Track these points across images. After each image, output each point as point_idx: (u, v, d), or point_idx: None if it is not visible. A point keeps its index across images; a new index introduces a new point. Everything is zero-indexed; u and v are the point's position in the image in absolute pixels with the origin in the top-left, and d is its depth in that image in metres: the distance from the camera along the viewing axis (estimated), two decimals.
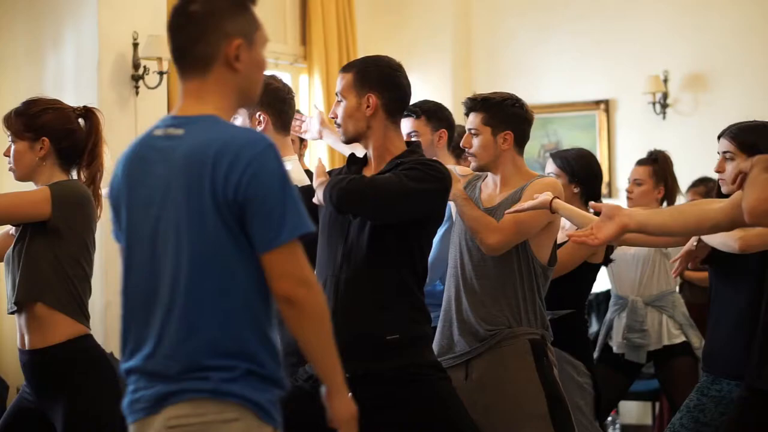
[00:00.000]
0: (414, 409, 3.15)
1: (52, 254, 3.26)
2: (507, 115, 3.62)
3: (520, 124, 3.63)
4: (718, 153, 3.62)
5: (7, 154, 3.40)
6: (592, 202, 3.28)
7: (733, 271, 3.70)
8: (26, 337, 3.29)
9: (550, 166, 4.36)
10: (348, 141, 3.25)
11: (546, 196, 3.43)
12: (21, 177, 3.38)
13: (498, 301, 3.54)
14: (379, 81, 3.22)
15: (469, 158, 3.67)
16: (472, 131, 3.62)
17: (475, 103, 3.64)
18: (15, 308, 3.30)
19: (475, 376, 3.53)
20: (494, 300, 3.54)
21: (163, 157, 2.21)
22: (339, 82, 3.22)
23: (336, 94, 3.23)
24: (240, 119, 3.53)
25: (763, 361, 2.86)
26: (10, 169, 3.40)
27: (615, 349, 4.85)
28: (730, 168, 3.53)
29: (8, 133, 3.38)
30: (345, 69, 3.27)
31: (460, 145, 3.69)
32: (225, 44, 2.21)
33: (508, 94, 3.68)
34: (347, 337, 3.04)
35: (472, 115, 3.64)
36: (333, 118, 3.26)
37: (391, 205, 3.07)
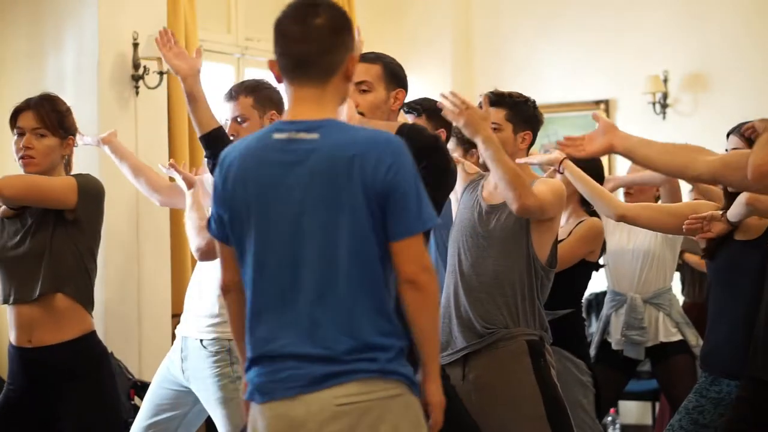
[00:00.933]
0: None
1: (74, 246, 3.33)
2: (528, 116, 3.67)
3: (537, 127, 3.70)
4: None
5: (29, 146, 3.38)
6: (594, 112, 3.27)
7: (733, 268, 3.69)
8: (34, 333, 3.28)
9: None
10: None
11: (558, 154, 3.44)
12: (39, 172, 3.40)
13: (495, 300, 3.53)
14: (403, 79, 3.32)
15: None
16: (494, 125, 3.61)
17: (500, 98, 3.64)
18: (12, 300, 3.30)
19: (472, 376, 3.53)
20: (492, 298, 3.53)
21: (300, 158, 2.36)
22: (364, 71, 3.20)
23: (359, 83, 3.19)
24: (248, 121, 3.59)
25: (764, 351, 2.85)
26: (26, 162, 3.38)
27: (614, 346, 4.85)
28: None
29: (37, 126, 3.39)
30: (369, 60, 3.25)
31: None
32: (347, 59, 2.42)
33: (526, 95, 3.72)
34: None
35: (493, 110, 3.63)
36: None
37: None
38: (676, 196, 4.85)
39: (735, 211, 3.58)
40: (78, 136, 3.62)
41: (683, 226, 3.74)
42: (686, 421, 3.76)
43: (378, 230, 2.35)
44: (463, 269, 3.58)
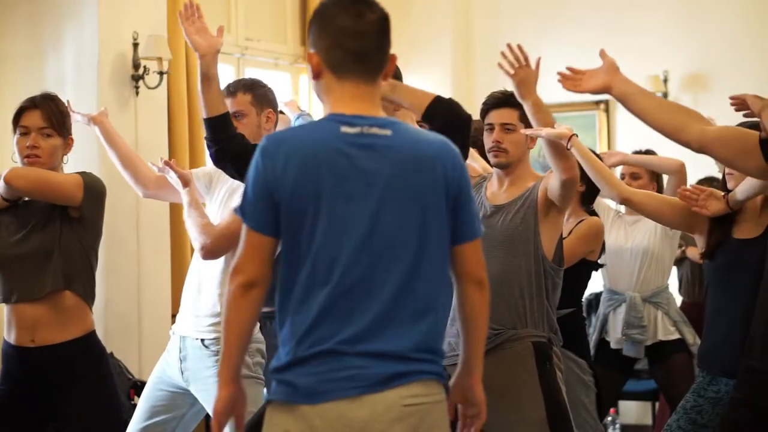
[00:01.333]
0: None
1: (80, 243, 3.34)
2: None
3: None
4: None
5: (35, 145, 3.37)
6: (601, 49, 3.28)
7: (732, 267, 3.68)
8: (38, 332, 3.27)
9: None
10: None
11: (566, 129, 3.44)
12: None
13: (503, 301, 3.51)
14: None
15: (497, 153, 3.62)
16: (508, 126, 3.60)
17: (513, 99, 3.64)
18: (15, 298, 3.30)
19: None
20: (499, 299, 3.49)
21: (373, 154, 2.32)
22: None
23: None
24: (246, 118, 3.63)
25: (763, 342, 2.83)
26: (32, 161, 3.37)
27: (613, 345, 4.85)
28: None
29: (44, 126, 3.38)
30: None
31: (493, 140, 3.63)
32: (391, 58, 2.42)
33: None
34: None
35: (505, 111, 3.62)
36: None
37: None
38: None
39: (745, 187, 3.54)
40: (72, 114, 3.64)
41: (678, 193, 3.75)
42: (684, 420, 3.75)
43: (448, 231, 2.38)
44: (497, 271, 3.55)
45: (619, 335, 4.84)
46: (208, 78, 3.32)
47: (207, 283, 3.67)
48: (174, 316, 5.57)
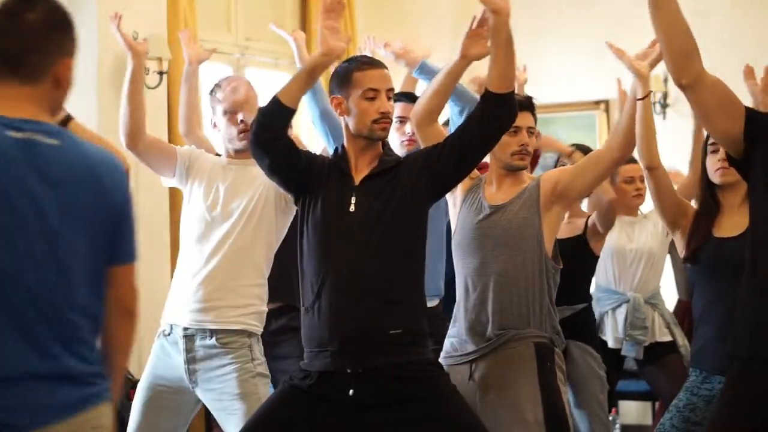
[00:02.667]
0: (418, 405, 3.15)
1: None
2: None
3: None
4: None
5: None
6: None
7: (717, 266, 3.70)
8: None
9: (575, 158, 4.43)
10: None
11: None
12: None
13: (506, 302, 3.51)
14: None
15: (523, 157, 3.65)
16: (531, 130, 3.67)
17: (532, 103, 3.69)
18: None
19: (478, 376, 3.53)
20: (502, 300, 3.51)
21: (37, 162, 2.19)
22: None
23: (393, 94, 3.31)
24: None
25: (754, 328, 2.81)
26: None
27: (611, 345, 4.86)
28: None
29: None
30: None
31: (522, 143, 3.64)
32: (60, 62, 2.25)
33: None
34: (351, 332, 3.09)
35: (528, 115, 3.67)
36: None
37: None
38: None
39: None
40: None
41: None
42: (678, 419, 3.76)
43: (105, 252, 2.24)
44: (472, 273, 3.56)
45: (620, 335, 4.85)
46: (314, 74, 3.31)
47: (235, 275, 3.64)
48: None
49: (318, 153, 3.78)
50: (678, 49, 2.82)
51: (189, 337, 3.64)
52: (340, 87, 3.29)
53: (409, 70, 4.28)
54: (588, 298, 4.31)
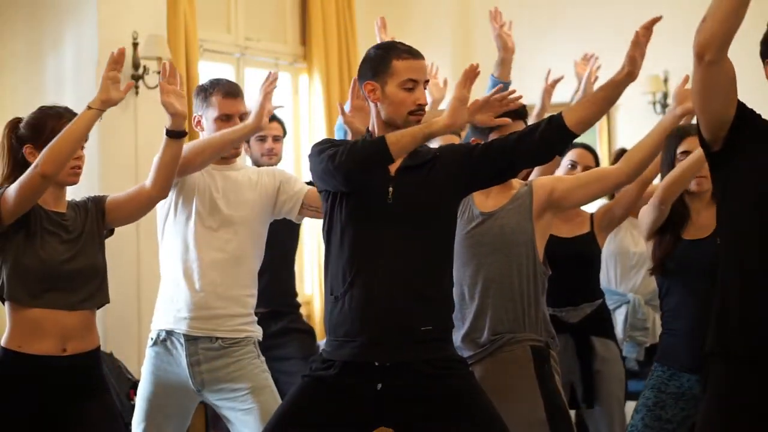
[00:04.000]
0: (445, 402, 3.13)
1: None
2: None
3: None
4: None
5: (81, 156, 3.32)
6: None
7: (686, 268, 3.76)
8: (80, 340, 3.22)
9: (577, 155, 4.43)
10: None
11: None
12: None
13: (501, 308, 3.50)
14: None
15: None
16: None
17: (527, 113, 3.69)
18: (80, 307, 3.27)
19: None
20: (497, 304, 3.51)
21: None
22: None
23: (424, 81, 3.20)
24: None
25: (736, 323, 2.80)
26: (77, 172, 3.31)
27: None
28: None
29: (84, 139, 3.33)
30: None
31: None
32: None
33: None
34: (383, 324, 3.08)
35: (521, 124, 3.64)
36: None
37: None
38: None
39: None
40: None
41: None
42: (650, 418, 3.80)
43: None
44: (467, 280, 3.56)
45: (621, 336, 4.85)
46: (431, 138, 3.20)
47: (235, 283, 3.62)
48: None
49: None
50: (728, 30, 2.83)
51: (191, 341, 3.58)
52: (375, 73, 3.18)
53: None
54: (602, 293, 4.33)
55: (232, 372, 3.57)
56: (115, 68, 3.21)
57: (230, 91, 3.65)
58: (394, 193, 3.14)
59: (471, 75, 3.05)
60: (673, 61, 7.07)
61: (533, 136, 3.10)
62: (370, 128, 3.24)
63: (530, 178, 4.00)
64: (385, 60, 3.16)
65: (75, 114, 3.29)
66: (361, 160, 3.06)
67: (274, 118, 4.81)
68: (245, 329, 3.63)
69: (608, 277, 4.99)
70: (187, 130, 3.41)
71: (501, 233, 3.52)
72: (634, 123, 7.20)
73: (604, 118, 7.21)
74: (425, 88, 3.19)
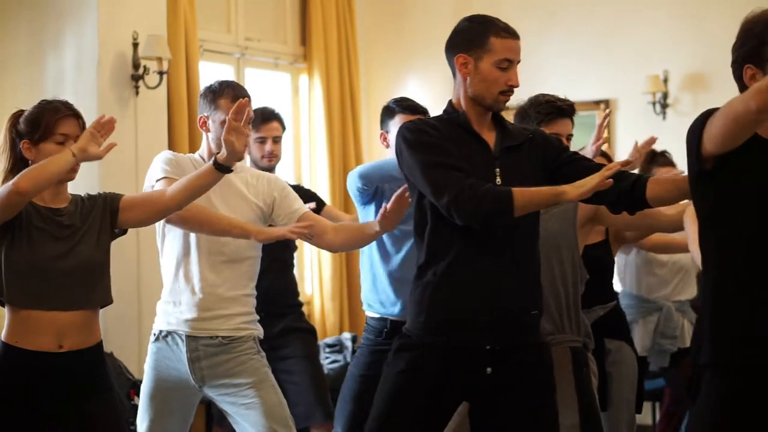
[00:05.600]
0: (543, 382, 3.14)
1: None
2: None
3: None
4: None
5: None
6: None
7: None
8: (68, 338, 3.23)
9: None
10: None
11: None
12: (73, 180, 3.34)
13: (545, 309, 3.45)
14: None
15: None
16: (570, 137, 3.65)
17: (574, 110, 3.70)
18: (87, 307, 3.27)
19: None
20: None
21: None
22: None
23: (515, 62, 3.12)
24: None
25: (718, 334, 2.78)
26: (76, 170, 3.27)
27: (639, 352, 4.84)
28: None
29: (79, 134, 3.24)
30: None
31: None
32: None
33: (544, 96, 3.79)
34: (499, 306, 3.04)
35: (569, 122, 3.65)
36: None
37: None
38: None
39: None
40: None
41: None
42: None
43: None
44: None
45: (649, 343, 4.86)
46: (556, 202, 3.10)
47: (235, 284, 3.64)
48: None
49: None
50: (739, 139, 2.70)
51: (192, 338, 3.60)
52: (469, 47, 3.12)
53: None
54: (615, 295, 4.34)
55: (232, 367, 3.58)
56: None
57: (238, 95, 3.61)
58: (501, 174, 3.06)
59: (612, 170, 2.94)
60: (673, 61, 7.08)
61: (614, 187, 2.97)
62: (453, 101, 3.16)
63: None
64: (482, 35, 3.09)
65: (72, 109, 3.29)
66: (483, 214, 2.93)
67: (274, 116, 4.81)
68: (246, 327, 3.64)
69: (639, 285, 4.98)
70: (230, 166, 3.28)
71: (545, 237, 3.45)
72: (633, 123, 7.20)
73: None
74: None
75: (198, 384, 3.60)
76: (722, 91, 7.30)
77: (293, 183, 4.97)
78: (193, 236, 3.60)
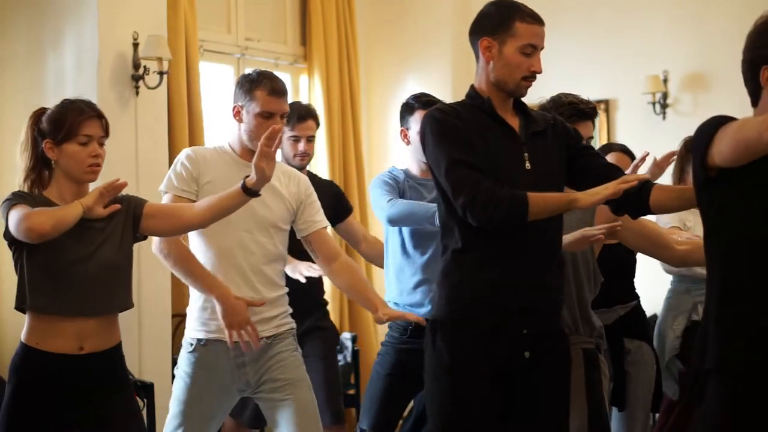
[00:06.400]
0: (566, 370, 3.19)
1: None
2: None
3: None
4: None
5: (100, 154, 3.26)
6: None
7: None
8: (89, 340, 3.21)
9: (615, 159, 4.43)
10: None
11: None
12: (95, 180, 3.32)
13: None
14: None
15: None
16: (591, 138, 3.71)
17: (597, 113, 3.74)
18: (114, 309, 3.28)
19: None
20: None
21: None
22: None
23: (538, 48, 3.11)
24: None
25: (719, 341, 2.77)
26: (96, 170, 3.25)
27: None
28: None
29: (103, 135, 3.26)
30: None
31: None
32: None
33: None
34: (534, 291, 3.08)
35: (590, 125, 3.68)
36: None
37: None
38: None
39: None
40: None
41: None
42: None
43: None
44: None
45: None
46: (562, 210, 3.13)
47: (274, 284, 3.65)
48: (174, 316, 5.57)
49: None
50: (750, 160, 2.67)
51: (236, 344, 3.53)
52: (494, 31, 3.09)
53: None
54: (636, 295, 4.33)
55: (272, 366, 3.58)
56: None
57: (276, 89, 3.60)
58: (530, 159, 3.09)
59: (626, 183, 2.96)
60: (673, 61, 7.08)
61: (625, 198, 3.01)
62: (476, 85, 3.16)
63: None
64: (507, 20, 3.08)
65: (96, 109, 3.27)
66: (497, 219, 2.96)
67: (310, 115, 4.73)
68: (285, 323, 3.66)
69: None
70: (258, 191, 3.26)
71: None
72: (633, 123, 7.20)
73: (603, 118, 7.21)
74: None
75: (241, 388, 3.59)
76: (722, 91, 7.36)
77: (327, 178, 4.97)
78: (232, 239, 3.54)
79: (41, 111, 3.31)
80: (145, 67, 5.46)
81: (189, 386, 3.59)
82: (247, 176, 3.21)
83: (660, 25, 7.13)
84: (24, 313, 3.23)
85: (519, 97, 3.15)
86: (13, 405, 3.20)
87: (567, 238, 3.27)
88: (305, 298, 4.37)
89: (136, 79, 5.45)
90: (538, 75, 3.12)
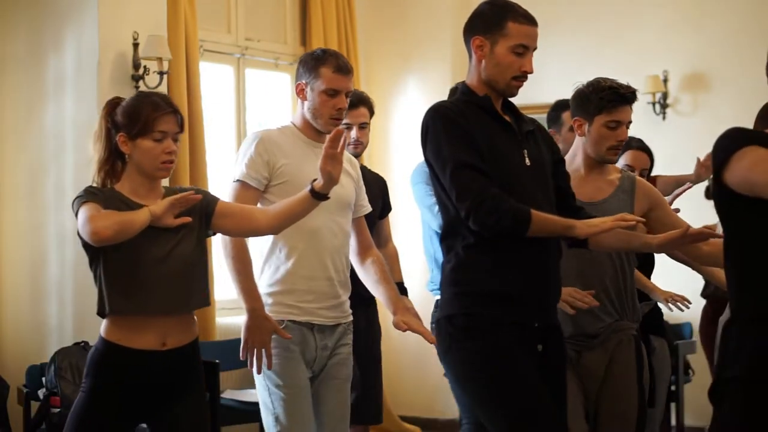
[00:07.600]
0: (563, 359, 3.23)
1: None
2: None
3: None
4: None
5: (174, 150, 3.18)
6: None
7: None
8: (170, 336, 3.17)
9: (632, 158, 4.42)
10: None
11: None
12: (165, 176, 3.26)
13: (607, 295, 3.55)
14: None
15: (618, 152, 3.67)
16: (630, 124, 3.70)
17: (636, 97, 3.74)
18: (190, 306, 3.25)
19: (582, 364, 3.59)
20: (604, 294, 3.54)
21: None
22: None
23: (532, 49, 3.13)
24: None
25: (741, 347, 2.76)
26: (169, 167, 3.18)
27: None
28: None
29: (177, 131, 3.19)
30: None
31: (620, 139, 3.66)
32: None
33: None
34: (541, 285, 3.12)
35: (629, 109, 3.68)
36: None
37: None
38: None
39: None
40: None
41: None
42: None
43: None
44: (574, 264, 3.52)
45: None
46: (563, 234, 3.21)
47: (346, 267, 3.63)
48: None
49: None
50: None
51: (320, 328, 3.52)
52: (486, 29, 3.10)
53: None
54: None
55: (338, 361, 3.57)
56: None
57: (341, 66, 3.55)
58: (528, 156, 3.12)
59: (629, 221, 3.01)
60: (673, 61, 7.08)
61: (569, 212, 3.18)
62: (468, 83, 3.18)
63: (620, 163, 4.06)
64: (500, 19, 3.08)
65: (172, 105, 3.20)
66: (498, 230, 2.99)
67: (362, 102, 4.63)
68: (350, 310, 3.65)
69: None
70: (327, 194, 3.19)
71: None
72: (633, 123, 7.17)
73: None
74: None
75: (320, 368, 3.57)
76: (722, 91, 7.37)
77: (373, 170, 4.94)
78: (318, 218, 3.46)
79: (116, 101, 3.24)
80: (145, 67, 5.46)
81: (285, 374, 3.52)
82: (314, 180, 3.15)
83: (660, 26, 7.13)
84: (104, 317, 3.18)
85: (509, 96, 3.16)
86: (91, 399, 3.16)
87: (658, 238, 3.20)
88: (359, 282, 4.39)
89: (136, 79, 5.46)
90: (530, 76, 3.13)
